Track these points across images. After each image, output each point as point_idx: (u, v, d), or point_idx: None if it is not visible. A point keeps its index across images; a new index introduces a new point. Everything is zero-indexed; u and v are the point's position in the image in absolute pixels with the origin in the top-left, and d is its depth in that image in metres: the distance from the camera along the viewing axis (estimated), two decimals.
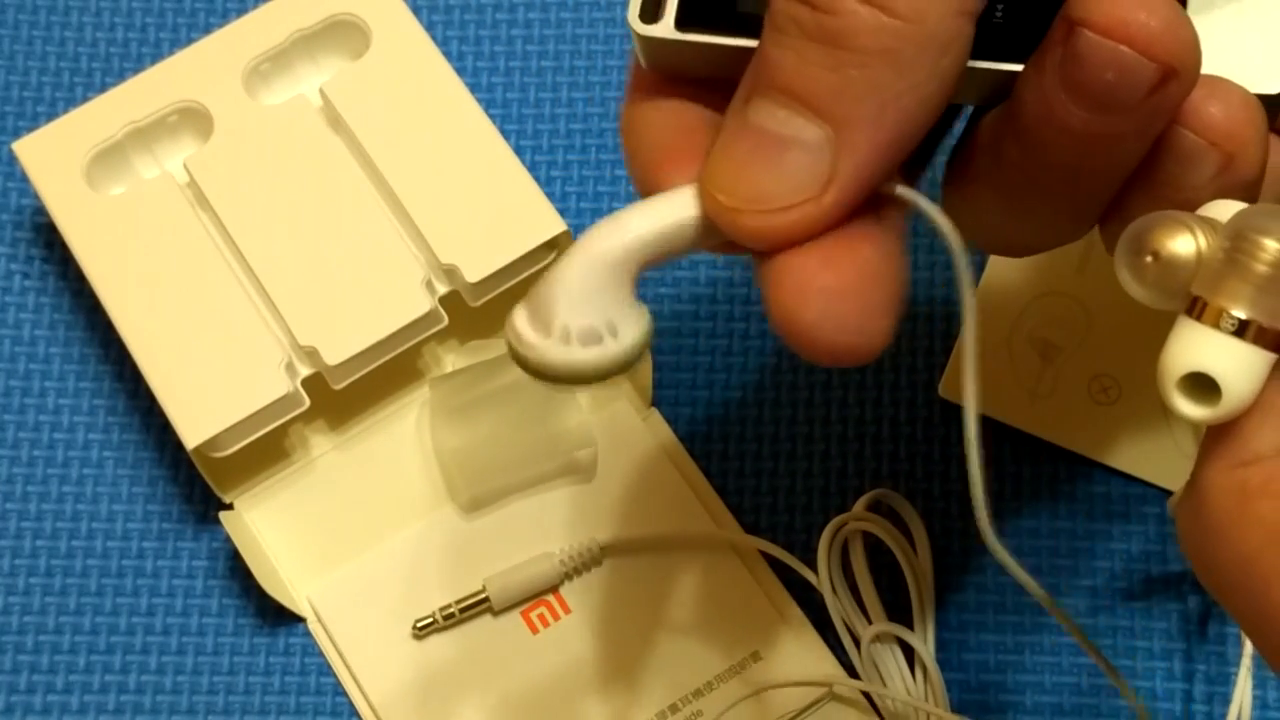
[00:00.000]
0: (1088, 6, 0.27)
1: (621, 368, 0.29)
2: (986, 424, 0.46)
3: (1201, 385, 0.27)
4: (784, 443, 0.46)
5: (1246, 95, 0.29)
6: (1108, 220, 0.31)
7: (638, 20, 0.29)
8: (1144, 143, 0.28)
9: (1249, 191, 0.29)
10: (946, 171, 0.32)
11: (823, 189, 0.27)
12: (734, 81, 0.29)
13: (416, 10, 0.49)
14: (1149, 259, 0.28)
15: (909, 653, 0.43)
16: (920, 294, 0.48)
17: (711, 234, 0.29)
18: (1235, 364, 0.27)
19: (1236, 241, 0.27)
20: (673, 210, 0.29)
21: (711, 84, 0.30)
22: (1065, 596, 0.44)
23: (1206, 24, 0.29)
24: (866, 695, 0.43)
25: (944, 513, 0.45)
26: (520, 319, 0.29)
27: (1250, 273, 0.27)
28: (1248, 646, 0.43)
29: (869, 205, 0.28)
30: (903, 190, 0.29)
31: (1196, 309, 0.27)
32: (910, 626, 0.43)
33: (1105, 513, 0.45)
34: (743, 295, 0.48)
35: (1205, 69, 0.28)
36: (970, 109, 0.31)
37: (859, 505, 0.43)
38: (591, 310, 0.29)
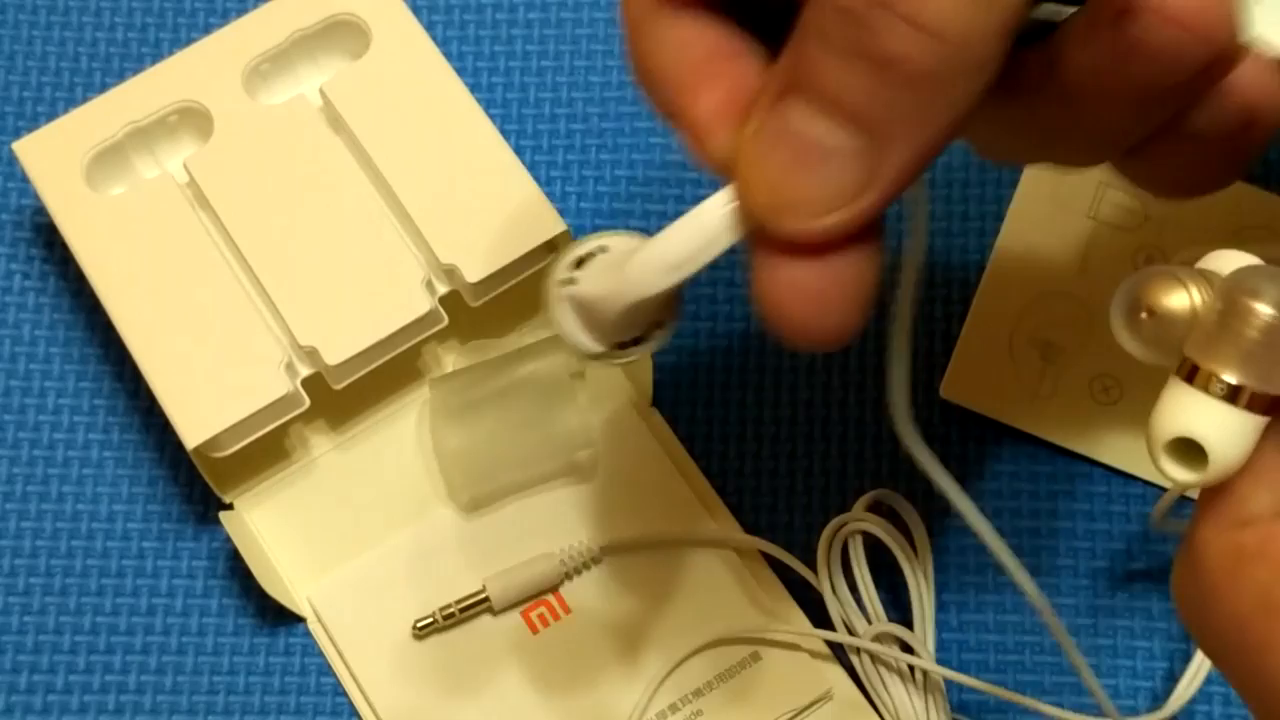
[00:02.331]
0: None
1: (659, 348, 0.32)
2: (987, 424, 0.46)
3: (1191, 448, 0.27)
4: (784, 443, 0.46)
5: (1274, 59, 0.29)
6: (1131, 153, 0.31)
7: None
8: (1181, 107, 0.29)
9: (1264, 144, 0.30)
10: None
11: (860, 194, 0.28)
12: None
13: (416, 10, 0.49)
14: (1144, 315, 0.28)
15: (909, 653, 0.43)
16: (920, 294, 0.48)
17: (740, 236, 0.30)
18: (1224, 430, 0.27)
19: (1228, 305, 0.27)
20: (716, 233, 0.30)
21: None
22: (1065, 596, 0.44)
23: None
24: (866, 695, 0.43)
25: (944, 512, 0.45)
26: (573, 326, 0.31)
27: (1241, 338, 0.27)
28: None
29: None
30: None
31: (1186, 371, 0.27)
32: (910, 626, 0.43)
33: (1105, 512, 0.45)
34: (743, 296, 0.48)
35: None
36: None
37: (859, 505, 0.43)
38: (644, 324, 0.32)
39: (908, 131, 0.28)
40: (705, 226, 0.30)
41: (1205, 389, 0.27)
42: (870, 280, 0.30)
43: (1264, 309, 0.26)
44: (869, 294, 0.30)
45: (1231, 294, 0.27)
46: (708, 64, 0.30)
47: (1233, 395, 0.27)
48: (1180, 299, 0.27)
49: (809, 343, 0.30)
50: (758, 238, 0.29)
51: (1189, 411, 0.27)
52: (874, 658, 0.42)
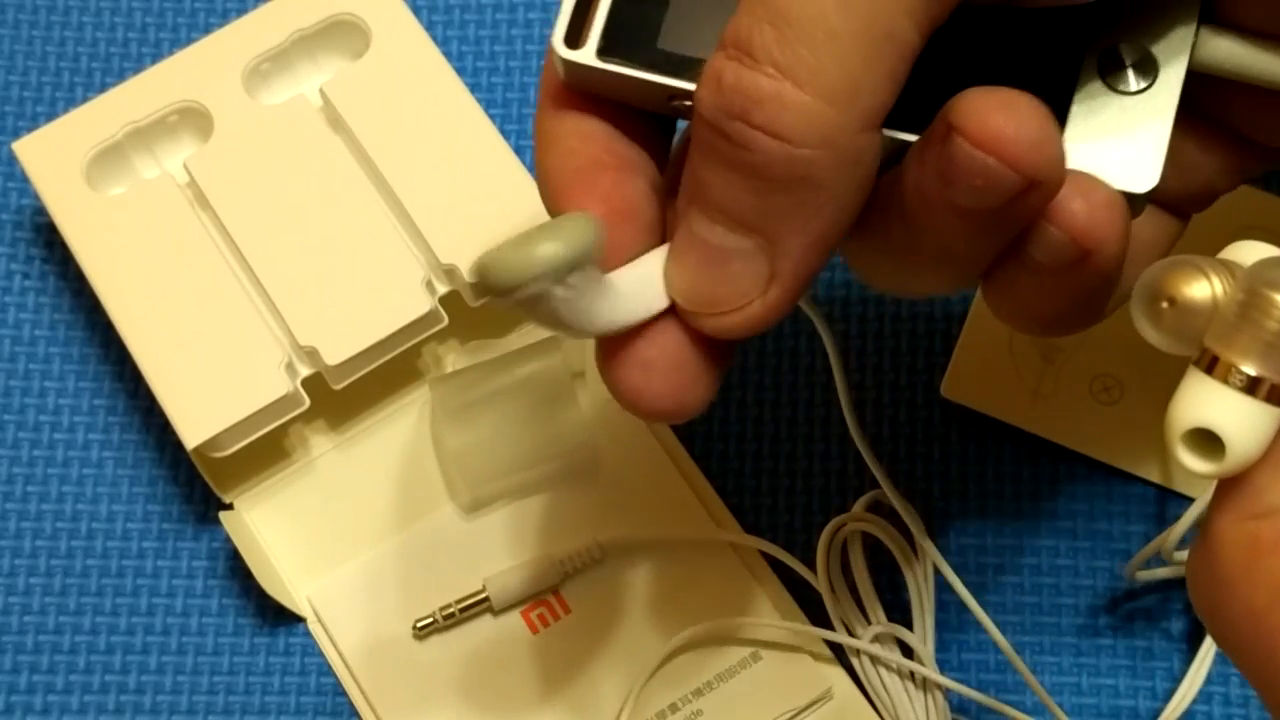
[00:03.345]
0: (965, 114, 0.28)
1: None
2: (988, 423, 0.46)
3: (1208, 439, 0.27)
4: (784, 443, 0.46)
5: (1111, 194, 0.29)
6: (985, 280, 0.32)
7: (561, 44, 0.31)
8: (1009, 234, 0.30)
9: (1109, 281, 0.30)
10: None
11: (765, 288, 0.30)
12: (649, 110, 0.31)
13: (416, 10, 0.49)
14: (1165, 305, 0.28)
15: (909, 653, 0.43)
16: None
17: None
18: (1242, 421, 0.27)
19: (1249, 296, 0.27)
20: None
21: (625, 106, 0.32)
22: (1065, 596, 0.44)
23: (1089, 122, 0.31)
24: (866, 695, 0.43)
25: (944, 512, 0.45)
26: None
27: (1261, 329, 0.26)
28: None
29: None
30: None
31: (1206, 362, 0.27)
32: (910, 627, 0.43)
33: (1106, 512, 0.45)
34: None
35: (1082, 164, 0.30)
36: None
37: (859, 505, 0.43)
38: None
39: (795, 229, 0.29)
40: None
41: (1225, 380, 0.27)
42: (705, 350, 0.31)
43: None
44: (705, 365, 0.31)
45: (1253, 285, 0.27)
46: (585, 173, 0.31)
47: (1252, 387, 0.27)
48: (1201, 289, 0.27)
49: (652, 414, 0.31)
50: None
51: (1207, 402, 0.27)
52: (873, 658, 0.42)
